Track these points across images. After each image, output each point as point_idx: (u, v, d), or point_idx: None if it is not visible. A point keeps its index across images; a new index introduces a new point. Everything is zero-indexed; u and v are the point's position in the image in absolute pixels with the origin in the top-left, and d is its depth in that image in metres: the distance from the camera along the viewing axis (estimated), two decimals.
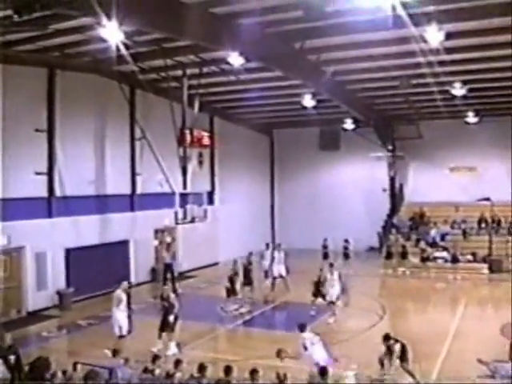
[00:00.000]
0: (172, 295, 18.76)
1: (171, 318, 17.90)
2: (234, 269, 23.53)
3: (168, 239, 29.49)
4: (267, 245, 27.52)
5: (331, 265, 21.57)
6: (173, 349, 17.39)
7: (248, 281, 23.82)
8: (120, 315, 17.31)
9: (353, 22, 17.69)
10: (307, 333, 14.54)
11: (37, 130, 23.12)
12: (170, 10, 16.53)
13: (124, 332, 17.26)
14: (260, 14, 17.80)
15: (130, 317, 17.93)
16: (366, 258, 33.23)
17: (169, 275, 26.39)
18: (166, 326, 17.80)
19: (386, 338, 15.08)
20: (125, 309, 17.53)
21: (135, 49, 20.01)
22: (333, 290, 20.68)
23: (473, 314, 21.66)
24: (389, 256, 33.05)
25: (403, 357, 14.51)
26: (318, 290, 21.25)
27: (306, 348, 13.95)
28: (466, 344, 14.69)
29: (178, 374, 11.96)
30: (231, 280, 22.96)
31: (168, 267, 26.73)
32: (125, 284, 17.97)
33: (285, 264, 25.44)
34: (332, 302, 20.57)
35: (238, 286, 22.89)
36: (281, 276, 25.14)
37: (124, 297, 17.59)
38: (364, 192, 37.97)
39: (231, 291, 22.76)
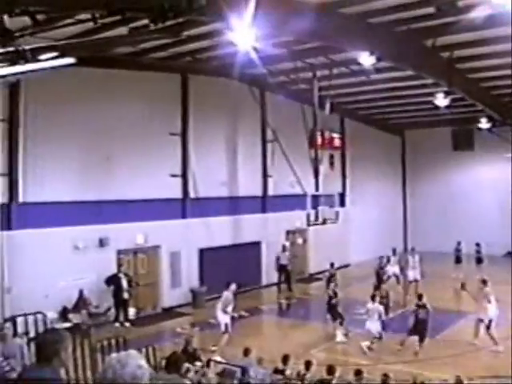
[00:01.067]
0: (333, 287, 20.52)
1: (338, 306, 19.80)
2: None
3: (300, 241, 29.71)
4: (394, 250, 26.83)
5: (484, 281, 18.78)
6: (340, 337, 18.99)
7: (379, 285, 23.63)
8: (227, 315, 18.08)
9: (486, 16, 17.04)
10: (373, 304, 16.03)
11: (171, 134, 23.94)
12: (299, 12, 16.60)
13: (229, 329, 18.06)
14: (390, 12, 17.56)
15: (233, 318, 18.70)
16: (503, 264, 31.86)
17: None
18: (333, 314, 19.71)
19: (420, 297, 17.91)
20: (231, 310, 18.15)
21: (264, 52, 20.25)
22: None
23: None
24: None
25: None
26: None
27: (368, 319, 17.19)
28: None
29: (308, 375, 12.01)
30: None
31: (283, 268, 26.90)
32: (233, 286, 18.49)
33: (420, 268, 24.94)
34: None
35: None
36: (415, 280, 24.64)
37: (231, 298, 18.10)
38: (500, 194, 36.39)
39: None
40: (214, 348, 17.49)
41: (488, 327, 17.56)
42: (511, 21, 16.75)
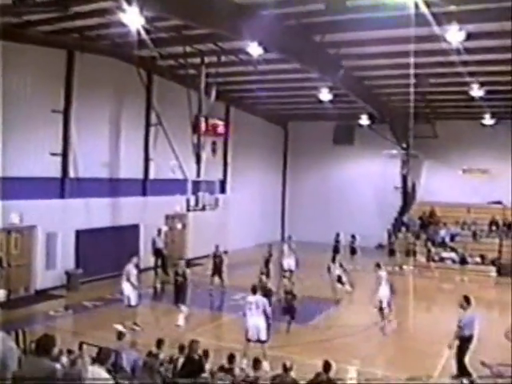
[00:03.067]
0: (188, 270, 19.89)
1: (188, 290, 19.27)
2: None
3: (179, 225, 29.67)
4: (290, 237, 27.68)
5: (378, 265, 19.95)
6: (181, 321, 18.75)
7: (267, 272, 23.98)
8: (129, 287, 18.22)
9: (374, 18, 17.63)
10: (254, 296, 15.25)
11: (53, 111, 23.24)
12: None
13: (132, 303, 18.25)
14: (281, 6, 17.80)
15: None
16: (374, 255, 33.15)
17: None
18: (180, 298, 19.09)
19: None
20: (135, 282, 18.39)
21: (155, 34, 20.04)
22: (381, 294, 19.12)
23: (478, 316, 21.58)
24: (391, 253, 33.06)
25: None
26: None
27: (245, 314, 15.35)
28: (471, 346, 14.67)
29: (181, 360, 12.05)
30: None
31: (159, 252, 26.86)
32: (135, 259, 18.79)
33: (295, 257, 25.37)
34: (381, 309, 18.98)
35: None
36: (290, 270, 25.07)
37: (134, 271, 18.37)
38: (376, 188, 37.97)
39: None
40: (135, 327, 17.76)
41: (380, 308, 18.81)
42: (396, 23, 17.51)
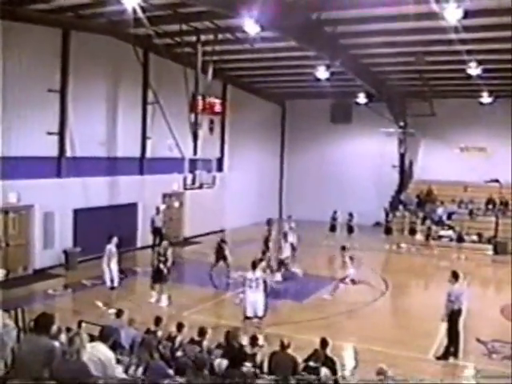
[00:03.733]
0: (169, 250, 19.68)
1: (165, 270, 19.11)
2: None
3: (176, 204, 29.68)
4: (289, 217, 27.75)
5: (343, 248, 21.61)
6: (164, 301, 18.70)
7: (266, 249, 23.95)
8: (112, 268, 18.24)
9: None
10: (253, 273, 15.29)
11: (50, 90, 23.12)
12: None
13: (115, 284, 18.26)
14: None
15: (121, 270, 19.18)
16: (371, 233, 33.32)
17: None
18: (159, 278, 19.04)
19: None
20: (116, 262, 18.37)
21: (151, 12, 19.91)
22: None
23: (474, 293, 21.72)
24: (388, 231, 33.15)
25: None
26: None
27: (244, 291, 15.54)
28: (466, 323, 14.80)
29: (179, 337, 12.12)
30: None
31: (157, 230, 26.91)
32: (115, 239, 18.53)
33: (297, 235, 25.35)
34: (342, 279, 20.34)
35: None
36: (292, 247, 25.13)
37: (114, 250, 18.33)
38: (373, 167, 37.95)
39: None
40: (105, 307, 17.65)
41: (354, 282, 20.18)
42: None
